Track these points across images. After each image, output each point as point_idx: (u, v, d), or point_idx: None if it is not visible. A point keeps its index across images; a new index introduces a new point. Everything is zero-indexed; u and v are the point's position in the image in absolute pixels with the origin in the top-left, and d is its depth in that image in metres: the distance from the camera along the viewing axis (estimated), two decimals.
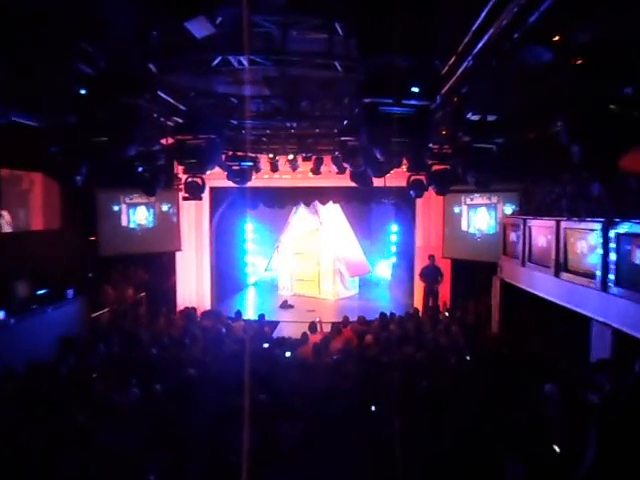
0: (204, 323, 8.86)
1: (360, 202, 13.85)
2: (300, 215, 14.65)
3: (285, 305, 13.20)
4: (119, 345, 6.72)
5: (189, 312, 9.71)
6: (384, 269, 16.13)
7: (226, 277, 13.44)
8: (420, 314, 10.01)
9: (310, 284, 14.33)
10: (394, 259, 15.54)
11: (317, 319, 8.54)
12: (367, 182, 8.57)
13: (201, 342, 7.19)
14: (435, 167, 7.40)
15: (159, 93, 5.38)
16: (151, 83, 4.74)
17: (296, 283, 14.66)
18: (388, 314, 8.87)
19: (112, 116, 4.21)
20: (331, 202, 12.92)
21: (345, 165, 8.27)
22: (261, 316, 9.21)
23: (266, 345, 7.25)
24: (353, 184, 8.84)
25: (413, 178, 8.02)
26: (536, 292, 6.97)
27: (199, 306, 10.98)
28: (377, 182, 8.70)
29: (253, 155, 8.80)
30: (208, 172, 7.95)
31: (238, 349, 6.60)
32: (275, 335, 9.12)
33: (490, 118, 4.55)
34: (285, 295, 14.35)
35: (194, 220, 11.83)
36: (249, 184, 8.98)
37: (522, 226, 7.67)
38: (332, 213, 14.63)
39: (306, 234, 14.44)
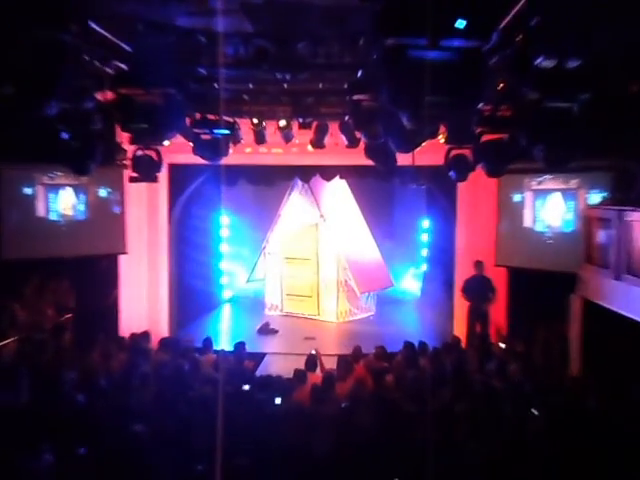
0: (159, 357, 8.69)
1: (378, 188, 13.90)
2: (294, 205, 14.58)
3: (266, 330, 13.17)
4: (29, 391, 6.45)
5: (138, 341, 9.50)
6: (411, 281, 16.22)
7: (191, 291, 13.51)
8: (463, 345, 9.95)
9: (307, 301, 14.32)
10: (425, 267, 15.62)
11: (315, 351, 8.50)
12: (388, 159, 8.53)
13: (154, 384, 7.06)
14: (486, 137, 7.38)
15: (92, 25, 5.23)
16: (80, 10, 4.58)
17: (288, 300, 14.64)
18: (417, 345, 8.82)
19: (22, 57, 4.05)
20: (338, 178, 13.02)
21: (358, 135, 8.20)
22: (240, 346, 9.08)
23: (246, 387, 7.21)
24: (369, 162, 8.80)
25: (454, 153, 7.96)
26: (637, 318, 6.82)
27: (153, 332, 10.86)
28: (403, 159, 8.62)
29: (230, 120, 8.66)
30: (166, 143, 7.86)
31: (207, 393, 6.52)
32: (259, 373, 9.07)
33: (571, 64, 4.36)
34: (272, 315, 14.32)
35: (146, 211, 11.79)
36: (224, 161, 8.90)
37: (616, 222, 7.56)
38: (338, 202, 14.62)
39: (302, 232, 14.38)
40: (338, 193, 14.68)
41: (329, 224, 14.16)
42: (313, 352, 8.41)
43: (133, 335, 9.88)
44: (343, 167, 12.03)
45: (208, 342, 9.39)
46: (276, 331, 13.14)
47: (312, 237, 14.29)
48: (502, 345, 9.99)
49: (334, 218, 14.31)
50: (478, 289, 10.85)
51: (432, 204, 14.08)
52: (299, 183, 14.11)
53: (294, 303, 14.57)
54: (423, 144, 6.89)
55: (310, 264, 14.32)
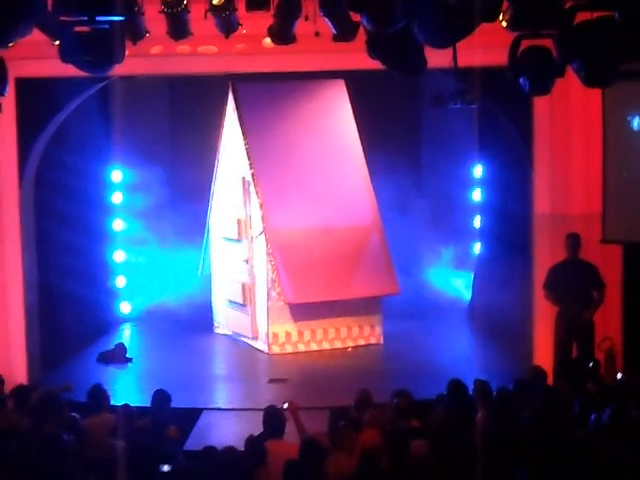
0: (14, 421, 8.75)
1: (392, 110, 13.99)
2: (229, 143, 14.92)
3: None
4: None
5: None
6: (453, 275, 16.43)
7: (65, 303, 13.63)
8: (549, 382, 10.10)
9: (242, 314, 14.87)
10: (479, 247, 15.74)
11: (287, 405, 8.55)
12: (412, 60, 8.57)
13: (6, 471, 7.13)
14: (582, 16, 7.42)
15: None
16: None
17: (229, 310, 15.23)
18: (470, 385, 8.93)
19: None
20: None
21: (356, 18, 8.22)
22: (159, 397, 9.20)
23: (166, 468, 7.32)
24: (375, 65, 8.85)
25: (526, 46, 8.02)
26: None
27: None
28: (436, 59, 8.71)
29: None
30: (12, 43, 7.82)
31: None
32: (191, 444, 9.27)
33: None
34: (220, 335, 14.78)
35: None
36: (117, 72, 8.97)
37: None
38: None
39: (233, 192, 14.86)
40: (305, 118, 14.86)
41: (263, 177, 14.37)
42: (284, 406, 8.48)
43: None
44: (327, 74, 12.25)
45: (98, 393, 9.39)
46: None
47: (240, 201, 14.66)
48: (618, 376, 10.17)
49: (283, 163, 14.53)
50: (574, 283, 11.01)
51: (489, 138, 14.13)
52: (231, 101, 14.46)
53: (234, 316, 15.11)
54: (471, 32, 6.97)
55: (241, 249, 14.77)
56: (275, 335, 14.11)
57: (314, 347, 14.24)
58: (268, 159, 14.32)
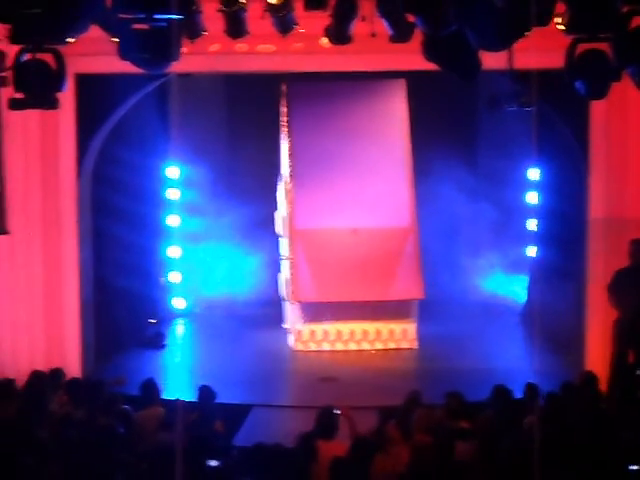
0: (65, 411, 8.95)
1: (446, 111, 14.14)
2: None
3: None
4: None
5: (32, 386, 9.85)
6: (506, 279, 16.38)
7: (119, 298, 13.80)
8: (602, 388, 10.01)
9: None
10: (535, 251, 15.70)
11: (339, 410, 8.52)
12: (466, 62, 8.55)
13: (61, 457, 7.28)
14: (637, 22, 7.28)
15: None
16: None
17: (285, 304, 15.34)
18: (521, 388, 8.98)
19: None
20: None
21: (411, 20, 8.25)
22: (205, 393, 9.37)
23: (214, 463, 7.40)
24: (430, 66, 8.83)
25: (583, 49, 7.96)
26: None
27: (51, 369, 11.11)
28: (491, 62, 8.70)
29: None
30: (71, 39, 7.94)
31: (149, 472, 6.71)
32: (240, 439, 9.36)
33: None
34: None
35: (39, 158, 12.08)
36: (175, 69, 8.94)
37: None
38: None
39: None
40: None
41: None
42: (336, 412, 8.42)
43: (35, 375, 10.12)
44: (383, 75, 12.31)
45: (150, 387, 9.59)
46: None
47: (284, 199, 15.06)
48: None
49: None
50: (636, 289, 10.94)
51: (545, 141, 14.02)
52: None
53: (285, 311, 15.38)
54: (525, 35, 6.95)
55: (284, 245, 15.15)
56: (299, 332, 14.29)
57: (340, 347, 14.31)
58: (307, 159, 14.49)
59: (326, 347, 14.28)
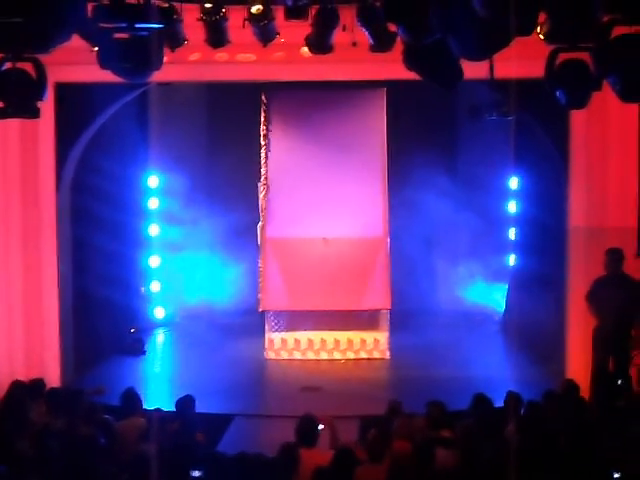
0: (45, 421, 8.89)
1: (428, 121, 14.02)
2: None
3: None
4: None
5: (12, 397, 9.76)
6: (485, 289, 16.45)
7: (99, 308, 13.81)
8: (583, 396, 9.91)
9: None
10: (513, 259, 15.80)
11: (322, 424, 8.46)
12: (447, 71, 8.54)
13: (41, 468, 7.26)
14: (619, 30, 7.29)
15: None
16: None
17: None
18: (502, 397, 8.96)
19: None
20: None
21: (392, 29, 8.27)
22: (185, 403, 9.34)
23: (197, 474, 7.39)
24: (411, 75, 8.76)
25: (563, 59, 7.99)
26: None
27: (32, 380, 11.06)
28: (472, 71, 8.64)
29: (164, 4, 8.82)
30: (52, 49, 7.92)
31: None
32: (221, 448, 9.33)
33: None
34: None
35: (18, 167, 12.07)
36: (155, 78, 8.99)
37: None
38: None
39: None
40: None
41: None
42: (320, 427, 8.34)
43: (15, 385, 10.06)
44: (364, 84, 12.31)
45: (131, 397, 9.55)
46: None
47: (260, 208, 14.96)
48: None
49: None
50: (614, 298, 10.92)
51: (525, 150, 14.10)
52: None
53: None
54: (507, 45, 6.95)
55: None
56: (271, 341, 14.32)
57: (311, 356, 14.33)
58: (282, 168, 14.52)
59: (297, 356, 14.30)
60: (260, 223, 14.51)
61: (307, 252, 14.17)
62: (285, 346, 14.31)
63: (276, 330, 14.34)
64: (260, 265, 14.36)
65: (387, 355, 14.31)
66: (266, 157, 14.62)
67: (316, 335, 14.33)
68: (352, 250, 14.24)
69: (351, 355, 14.33)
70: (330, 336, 14.33)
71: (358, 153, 14.59)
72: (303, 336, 14.33)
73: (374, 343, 14.37)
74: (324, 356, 14.31)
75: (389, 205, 14.76)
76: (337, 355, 14.32)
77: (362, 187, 14.46)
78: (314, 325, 14.33)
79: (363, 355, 14.34)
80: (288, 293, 14.19)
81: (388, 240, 14.47)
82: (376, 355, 14.33)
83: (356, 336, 14.38)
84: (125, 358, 14.51)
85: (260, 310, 14.28)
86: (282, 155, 14.61)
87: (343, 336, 14.31)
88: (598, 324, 11.09)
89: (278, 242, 14.23)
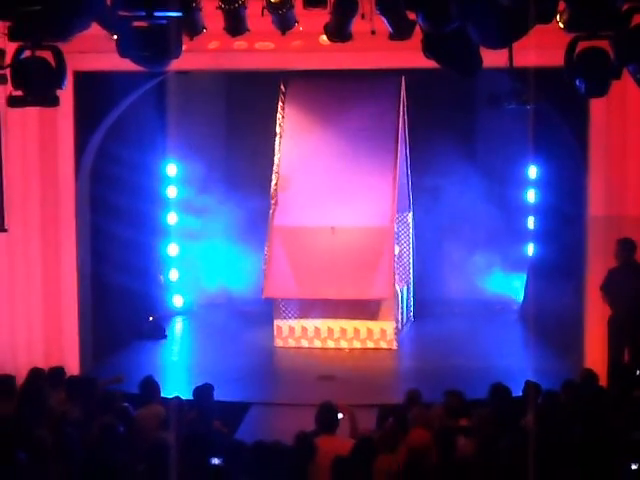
0: (61, 410, 8.86)
1: (447, 109, 14.19)
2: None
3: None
4: None
5: (31, 384, 9.78)
6: (503, 277, 16.45)
7: (117, 296, 13.84)
8: (601, 385, 9.88)
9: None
10: (532, 248, 15.81)
11: (341, 413, 8.43)
12: (467, 60, 8.52)
13: (61, 456, 7.28)
14: (638, 18, 7.33)
15: None
16: None
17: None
18: (521, 387, 8.94)
19: None
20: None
21: (412, 17, 8.25)
22: (203, 391, 9.36)
23: (216, 461, 7.39)
24: (430, 64, 8.77)
25: (583, 47, 7.93)
26: None
27: (51, 368, 11.09)
28: (491, 60, 8.65)
29: None
30: (71, 38, 7.93)
31: (149, 471, 6.71)
32: (239, 436, 9.31)
33: None
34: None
35: (37, 156, 12.10)
36: (174, 66, 9.04)
37: None
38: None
39: None
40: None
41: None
42: (340, 416, 8.31)
43: (33, 373, 10.12)
44: (383, 72, 12.29)
45: (150, 385, 9.54)
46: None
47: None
48: None
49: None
50: (628, 287, 10.92)
51: (544, 139, 14.04)
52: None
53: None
54: (527, 33, 6.95)
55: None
56: (279, 328, 14.34)
57: (318, 344, 14.34)
58: (295, 156, 14.55)
59: (305, 344, 14.33)
60: (270, 211, 14.53)
61: (314, 241, 14.13)
62: (293, 334, 14.34)
63: (284, 317, 14.36)
64: (266, 252, 14.34)
65: (394, 345, 14.26)
66: (280, 145, 14.62)
67: (323, 323, 14.34)
68: (359, 239, 14.17)
69: (357, 344, 14.31)
70: (336, 325, 14.32)
71: (372, 142, 14.54)
72: (310, 324, 14.34)
73: (381, 333, 14.31)
74: (331, 345, 14.32)
75: (410, 194, 14.78)
76: (344, 344, 14.32)
77: (373, 176, 14.38)
78: (321, 313, 14.34)
79: (370, 345, 14.31)
80: (294, 281, 14.14)
81: (394, 230, 14.42)
82: (383, 345, 14.28)
83: (362, 325, 14.36)
84: (143, 346, 14.58)
85: (264, 297, 14.28)
86: (296, 144, 14.65)
87: (350, 325, 14.30)
88: (612, 314, 11.07)
89: (285, 230, 14.19)
